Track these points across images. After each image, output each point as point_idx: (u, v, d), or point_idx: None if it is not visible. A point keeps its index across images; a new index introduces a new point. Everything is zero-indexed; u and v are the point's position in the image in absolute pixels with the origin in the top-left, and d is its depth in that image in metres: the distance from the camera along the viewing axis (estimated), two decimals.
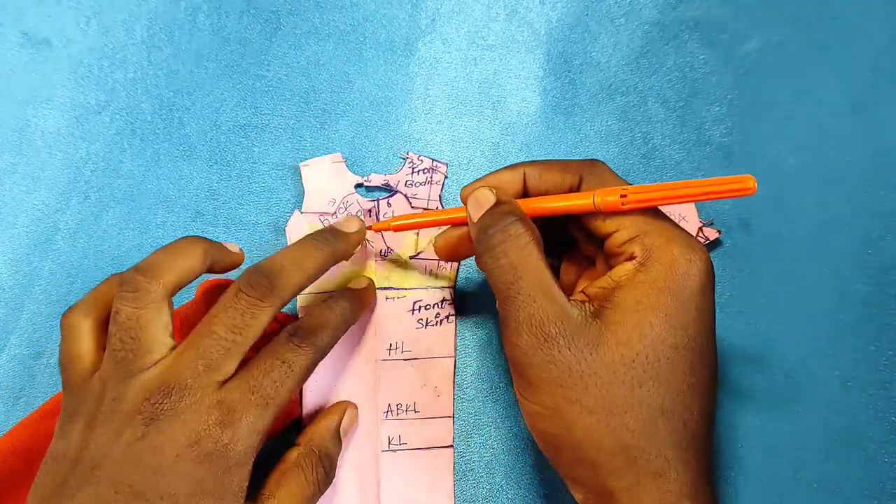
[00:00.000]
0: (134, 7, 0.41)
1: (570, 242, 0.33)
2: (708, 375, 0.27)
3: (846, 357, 0.36)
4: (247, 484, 0.27)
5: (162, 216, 0.39)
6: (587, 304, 0.28)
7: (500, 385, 0.37)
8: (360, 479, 0.35)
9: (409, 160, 0.39)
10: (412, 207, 0.38)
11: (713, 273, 0.28)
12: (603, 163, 0.30)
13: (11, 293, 0.38)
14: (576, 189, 0.30)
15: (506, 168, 0.31)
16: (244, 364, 0.29)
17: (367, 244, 0.37)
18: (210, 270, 0.32)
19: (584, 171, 0.30)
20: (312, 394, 0.35)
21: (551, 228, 0.31)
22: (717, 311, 0.37)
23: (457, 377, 0.37)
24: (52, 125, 0.40)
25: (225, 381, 0.28)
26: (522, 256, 0.28)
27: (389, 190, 0.38)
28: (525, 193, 0.31)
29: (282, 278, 0.29)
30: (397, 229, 0.35)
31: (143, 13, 0.41)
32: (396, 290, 0.37)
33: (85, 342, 0.29)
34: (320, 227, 0.37)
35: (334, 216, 0.38)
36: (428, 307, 0.36)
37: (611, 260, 0.29)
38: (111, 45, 0.41)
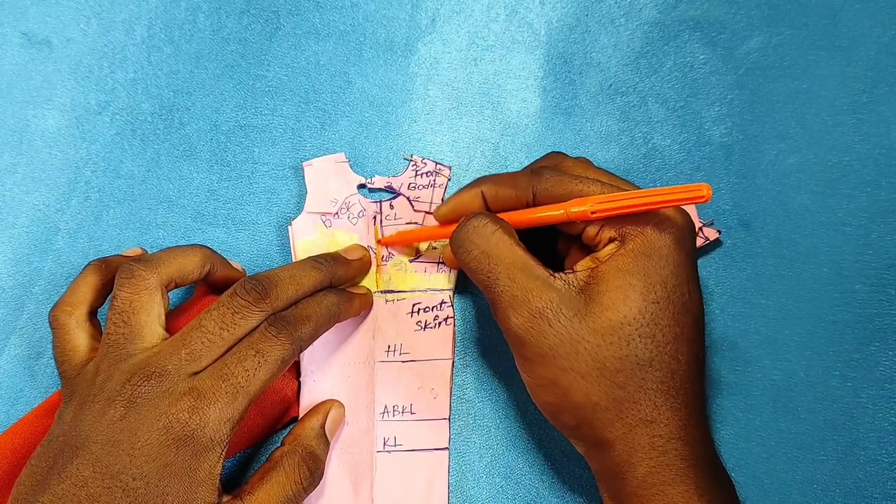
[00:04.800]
0: (134, 7, 0.41)
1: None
2: (692, 323, 0.29)
3: (846, 357, 0.36)
4: (218, 471, 0.28)
5: (162, 216, 0.39)
6: (571, 275, 0.29)
7: (501, 386, 0.37)
8: (353, 479, 0.35)
9: (412, 163, 0.39)
10: (414, 210, 0.38)
11: (688, 225, 0.29)
12: (549, 168, 0.32)
13: (11, 293, 0.38)
14: (532, 201, 0.31)
15: (463, 188, 0.33)
16: None
17: (370, 250, 0.37)
18: (209, 281, 0.34)
19: (533, 184, 0.31)
20: (310, 394, 0.35)
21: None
22: (716, 311, 0.37)
23: (457, 378, 0.37)
24: (52, 125, 0.40)
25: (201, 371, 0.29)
26: (492, 243, 0.29)
27: (392, 192, 0.38)
28: (487, 209, 0.33)
29: (276, 289, 0.30)
30: (402, 242, 0.37)
31: (143, 13, 0.41)
32: (396, 293, 0.37)
33: (77, 335, 0.31)
34: (323, 227, 0.37)
35: (336, 216, 0.38)
36: (427, 310, 0.36)
37: (591, 249, 0.30)
38: (111, 45, 0.41)
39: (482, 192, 0.32)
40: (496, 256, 0.29)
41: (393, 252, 0.37)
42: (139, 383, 0.28)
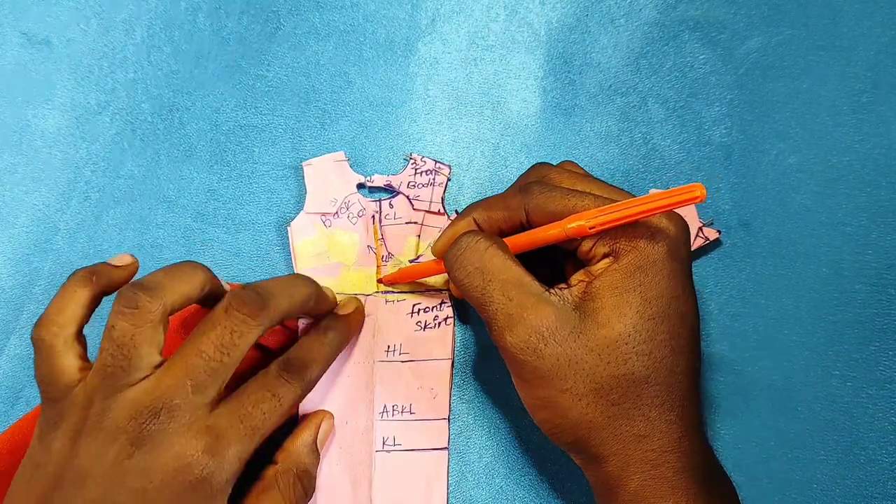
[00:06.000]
0: (134, 7, 0.41)
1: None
2: (688, 334, 0.28)
3: (846, 357, 0.36)
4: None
5: (162, 216, 0.39)
6: (566, 290, 0.29)
7: (500, 386, 0.37)
8: (352, 479, 0.35)
9: (412, 161, 0.39)
10: (414, 209, 0.38)
11: (682, 233, 0.29)
12: (538, 183, 0.31)
13: (11, 293, 0.38)
14: (525, 220, 0.31)
15: (455, 219, 0.33)
16: (228, 387, 0.29)
17: (370, 250, 0.37)
18: (202, 302, 0.32)
19: (524, 202, 0.30)
20: (310, 394, 0.35)
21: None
22: (716, 311, 0.37)
23: (457, 378, 0.37)
24: (52, 125, 0.40)
25: (213, 405, 0.28)
26: (486, 259, 0.29)
27: (391, 191, 0.38)
28: None
29: (272, 300, 0.29)
30: (403, 280, 0.36)
31: (143, 13, 0.41)
32: (396, 294, 0.37)
33: (65, 356, 0.28)
34: (322, 227, 0.37)
35: (335, 216, 0.38)
36: (427, 310, 0.36)
37: (586, 264, 0.30)
38: (111, 45, 0.41)
39: (474, 220, 0.32)
40: (490, 273, 0.29)
41: (392, 252, 0.37)
42: (147, 421, 0.26)
